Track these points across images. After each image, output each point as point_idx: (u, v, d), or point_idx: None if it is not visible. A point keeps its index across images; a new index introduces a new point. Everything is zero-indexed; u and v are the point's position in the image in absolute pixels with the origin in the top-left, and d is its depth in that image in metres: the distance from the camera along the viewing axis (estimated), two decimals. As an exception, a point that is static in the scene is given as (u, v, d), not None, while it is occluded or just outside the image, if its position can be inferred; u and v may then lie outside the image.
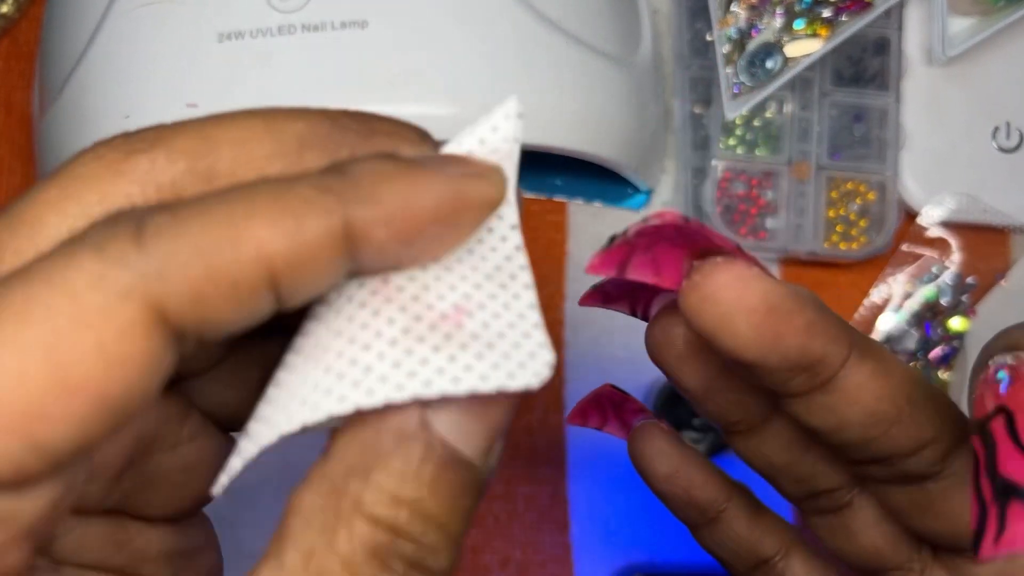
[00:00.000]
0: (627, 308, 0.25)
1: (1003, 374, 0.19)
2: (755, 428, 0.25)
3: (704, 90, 0.48)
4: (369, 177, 0.17)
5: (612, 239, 0.21)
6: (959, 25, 0.47)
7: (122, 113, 0.40)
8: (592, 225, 0.48)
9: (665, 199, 0.48)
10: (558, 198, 0.48)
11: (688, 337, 0.24)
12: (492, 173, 0.18)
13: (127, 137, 0.18)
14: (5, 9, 0.49)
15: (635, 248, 0.21)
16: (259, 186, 0.16)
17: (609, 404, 0.29)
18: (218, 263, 0.15)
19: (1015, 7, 0.46)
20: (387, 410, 0.16)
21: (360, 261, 0.17)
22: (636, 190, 0.47)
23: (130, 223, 0.15)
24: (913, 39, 0.48)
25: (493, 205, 0.18)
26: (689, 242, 0.21)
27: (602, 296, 0.25)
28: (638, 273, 0.21)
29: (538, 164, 0.46)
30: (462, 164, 0.18)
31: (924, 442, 0.22)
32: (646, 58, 0.46)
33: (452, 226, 0.18)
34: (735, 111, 0.46)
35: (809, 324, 0.21)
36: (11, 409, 0.14)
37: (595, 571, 0.46)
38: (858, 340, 0.22)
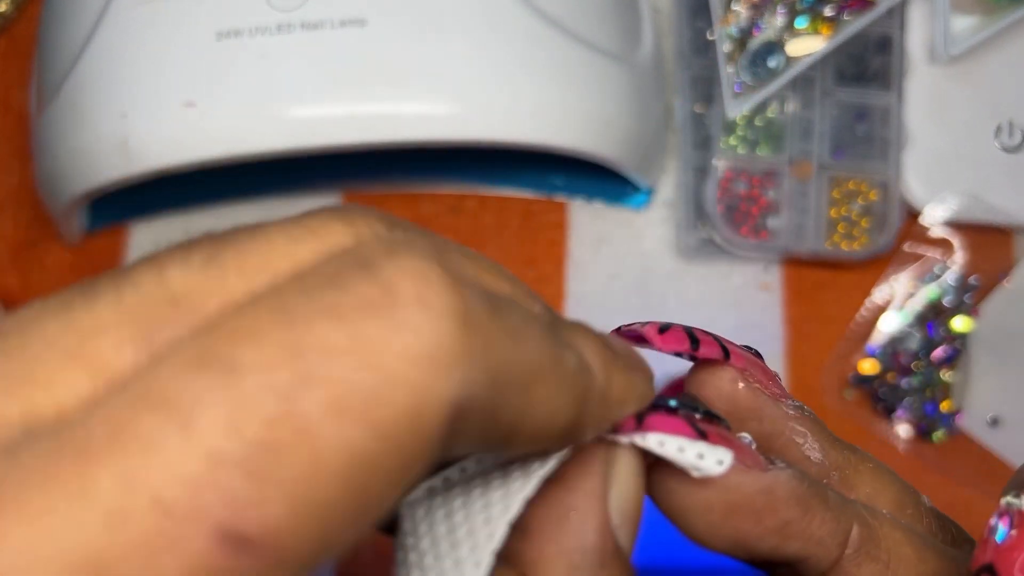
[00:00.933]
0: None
1: (1001, 528, 0.17)
2: None
3: (705, 89, 0.47)
4: (608, 364, 0.16)
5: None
6: (961, 24, 0.47)
7: (119, 112, 0.39)
8: (592, 225, 0.48)
9: (666, 198, 0.48)
10: (558, 197, 0.48)
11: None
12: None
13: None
14: (3, 8, 0.49)
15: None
16: (544, 334, 0.15)
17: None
18: (503, 406, 0.14)
19: (1018, 6, 0.46)
20: (579, 535, 0.16)
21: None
22: (637, 189, 0.47)
23: (457, 299, 0.13)
24: (915, 38, 0.48)
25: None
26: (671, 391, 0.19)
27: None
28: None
29: (538, 163, 0.45)
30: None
31: None
32: (647, 57, 0.46)
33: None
34: (737, 110, 0.46)
35: (783, 526, 0.18)
36: None
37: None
38: (855, 538, 0.19)
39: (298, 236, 0.14)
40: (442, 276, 0.13)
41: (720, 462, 0.17)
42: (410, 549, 0.16)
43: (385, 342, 0.12)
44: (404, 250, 0.13)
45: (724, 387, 0.20)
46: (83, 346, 0.12)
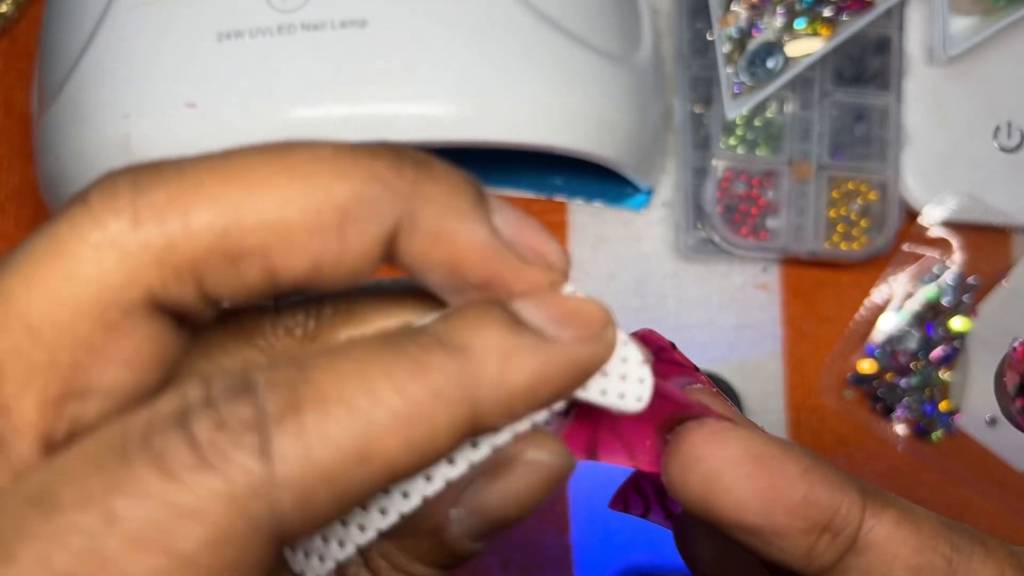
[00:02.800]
0: (642, 511, 0.23)
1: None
2: None
3: (705, 89, 0.47)
4: (494, 359, 0.16)
5: (568, 409, 0.19)
6: (960, 24, 0.47)
7: (121, 112, 0.39)
8: (592, 225, 0.48)
9: (665, 199, 0.48)
10: (558, 198, 0.48)
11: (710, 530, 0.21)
12: (605, 331, 0.17)
13: (134, 185, 0.15)
14: (4, 9, 0.49)
15: (598, 424, 0.19)
16: (385, 372, 0.15)
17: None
18: (341, 479, 0.15)
19: (1016, 6, 0.46)
20: None
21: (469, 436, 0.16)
22: (636, 190, 0.47)
23: (254, 436, 0.14)
24: (914, 38, 0.48)
25: (601, 364, 0.17)
26: (651, 412, 0.19)
27: (623, 503, 0.23)
28: (609, 456, 0.19)
29: (538, 164, 0.45)
30: (578, 324, 0.17)
31: None
32: (646, 57, 0.46)
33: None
34: (736, 110, 0.46)
35: (806, 470, 0.19)
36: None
37: (595, 573, 0.46)
38: (867, 488, 0.20)
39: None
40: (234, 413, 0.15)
41: (639, 399, 0.18)
42: None
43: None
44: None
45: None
46: None
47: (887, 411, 0.46)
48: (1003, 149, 0.47)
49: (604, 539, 0.46)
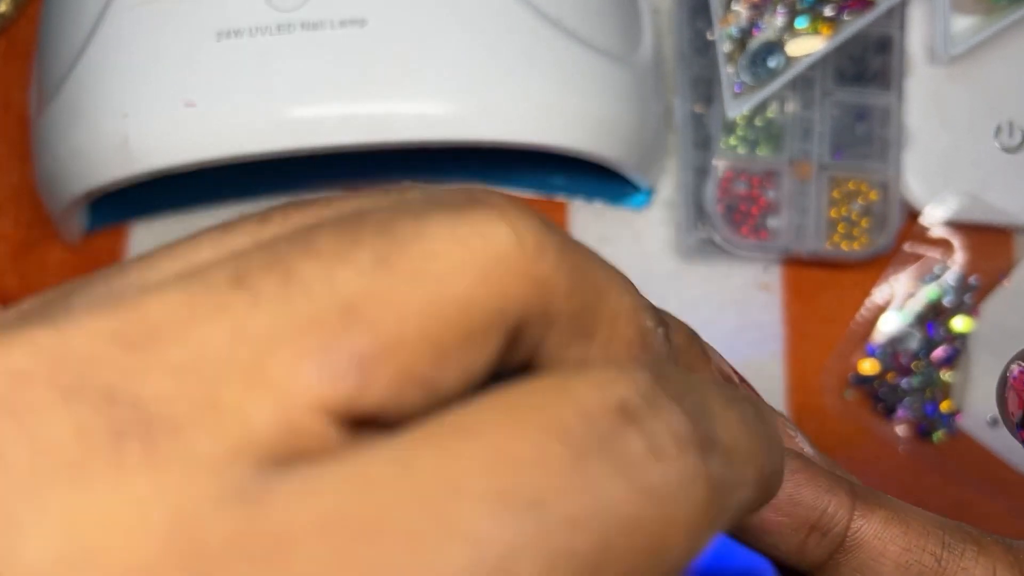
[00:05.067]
0: None
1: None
2: None
3: (705, 89, 0.47)
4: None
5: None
6: (962, 24, 0.47)
7: (120, 112, 0.39)
8: (593, 225, 0.48)
9: (666, 198, 0.48)
10: (558, 198, 0.48)
11: None
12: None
13: None
14: (2, 8, 0.49)
15: None
16: None
17: None
18: None
19: (1018, 6, 0.46)
20: None
21: None
22: (637, 189, 0.47)
23: None
24: (916, 38, 0.48)
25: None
26: None
27: None
28: None
29: (538, 163, 0.45)
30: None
31: None
32: (647, 57, 0.46)
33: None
34: (736, 110, 0.46)
35: (793, 472, 0.20)
36: None
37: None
38: (858, 489, 0.21)
39: (463, 237, 0.14)
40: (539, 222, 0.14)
41: None
42: None
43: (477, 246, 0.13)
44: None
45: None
46: (263, 363, 0.12)
47: (888, 412, 0.46)
48: (1005, 149, 0.47)
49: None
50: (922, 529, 0.20)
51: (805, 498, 0.20)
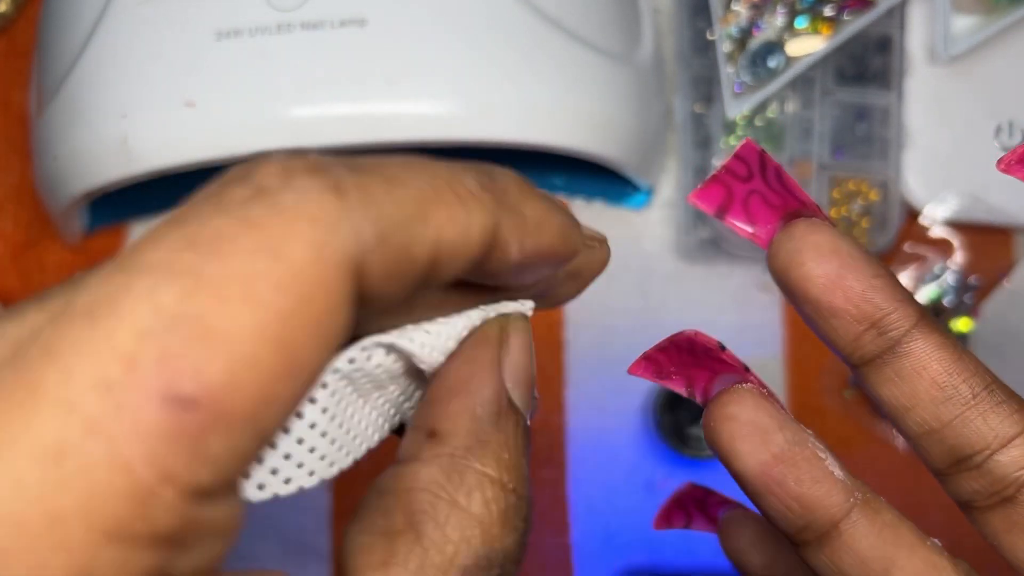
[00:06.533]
0: (682, 387, 0.25)
1: None
2: None
3: (705, 89, 0.47)
4: (515, 190, 0.18)
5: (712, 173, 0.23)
6: (962, 23, 0.47)
7: (120, 112, 0.39)
8: (593, 225, 0.48)
9: (666, 198, 0.48)
10: (558, 197, 0.48)
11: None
12: (605, 245, 0.22)
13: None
14: (2, 8, 0.49)
15: (733, 197, 0.23)
16: (435, 169, 0.17)
17: (692, 502, 0.29)
18: (407, 241, 0.16)
19: (1018, 5, 0.46)
20: (478, 393, 0.19)
21: (485, 267, 0.18)
22: (637, 189, 0.47)
23: (328, 179, 0.15)
24: (916, 37, 0.48)
25: (603, 268, 0.21)
26: (783, 201, 0.22)
27: (654, 368, 0.24)
28: (734, 220, 0.23)
29: (538, 163, 0.45)
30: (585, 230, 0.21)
31: (1010, 436, 0.21)
32: (647, 56, 0.46)
33: (560, 266, 0.20)
34: (737, 110, 0.46)
35: (875, 275, 0.21)
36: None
37: (595, 574, 0.45)
38: (927, 314, 0.22)
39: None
40: (304, 165, 0.15)
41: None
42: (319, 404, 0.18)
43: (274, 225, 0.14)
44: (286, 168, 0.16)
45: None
46: None
47: (888, 412, 0.46)
48: (1005, 149, 0.47)
49: (604, 540, 0.46)
50: (974, 368, 0.21)
51: (876, 298, 0.21)
